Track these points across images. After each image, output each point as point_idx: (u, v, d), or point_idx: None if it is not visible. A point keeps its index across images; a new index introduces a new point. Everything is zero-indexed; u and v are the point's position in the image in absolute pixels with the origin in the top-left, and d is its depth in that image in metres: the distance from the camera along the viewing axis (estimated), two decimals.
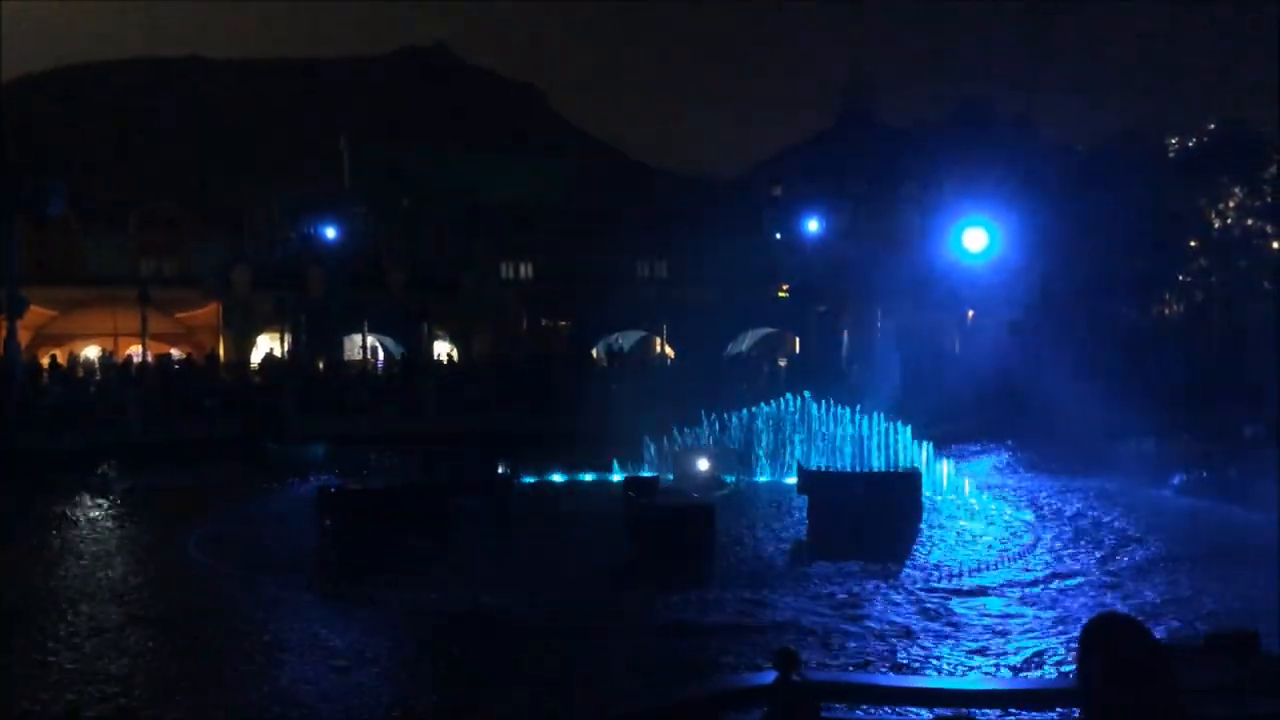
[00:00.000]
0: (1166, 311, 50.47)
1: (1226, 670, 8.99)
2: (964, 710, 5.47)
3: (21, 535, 17.64)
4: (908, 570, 14.10)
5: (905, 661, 10.73)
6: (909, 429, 22.08)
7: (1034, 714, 9.04)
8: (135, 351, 41.09)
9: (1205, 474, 21.69)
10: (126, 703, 9.67)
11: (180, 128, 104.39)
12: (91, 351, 43.98)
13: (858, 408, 22.95)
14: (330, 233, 47.84)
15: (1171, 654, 3.97)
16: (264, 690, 9.97)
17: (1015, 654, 10.91)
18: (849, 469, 21.10)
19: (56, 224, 46.37)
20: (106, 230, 49.00)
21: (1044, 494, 21.28)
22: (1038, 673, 10.36)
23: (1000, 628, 11.83)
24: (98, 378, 38.41)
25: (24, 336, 38.73)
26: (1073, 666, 10.02)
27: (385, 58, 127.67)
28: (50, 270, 45.06)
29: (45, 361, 39.15)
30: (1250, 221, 48.90)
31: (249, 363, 43.81)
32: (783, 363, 45.55)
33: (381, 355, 47.96)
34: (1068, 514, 18.96)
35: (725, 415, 24.25)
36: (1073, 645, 10.69)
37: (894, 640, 11.40)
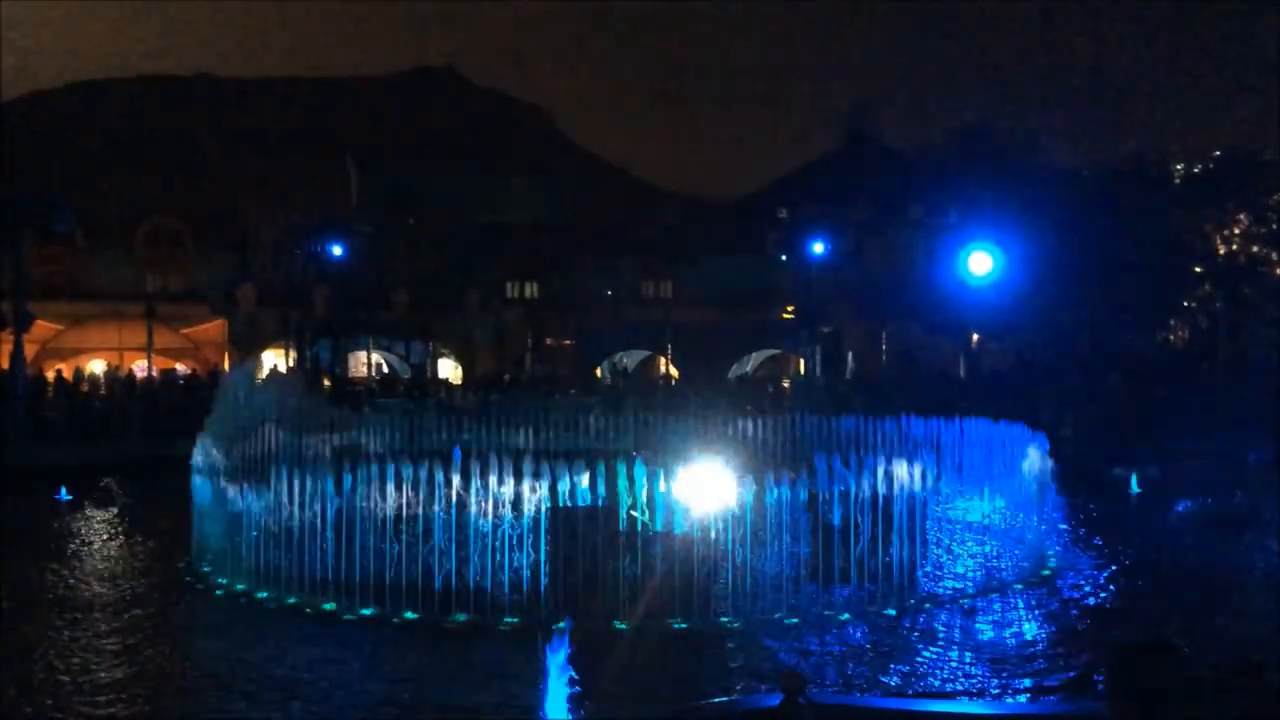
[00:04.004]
0: (1171, 338, 50.42)
1: (1235, 699, 8.94)
2: None
3: (7, 550, 17.45)
4: (910, 591, 14.03)
5: (911, 684, 10.67)
6: None
7: None
8: (140, 366, 41.17)
9: (1209, 500, 21.58)
10: None
11: (187, 145, 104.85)
12: (97, 366, 44.04)
13: None
14: (337, 251, 48.00)
15: (1200, 682, 3.95)
16: None
17: (1025, 677, 10.83)
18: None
19: (63, 239, 46.59)
20: (113, 246, 49.23)
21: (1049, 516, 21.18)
22: (1048, 696, 10.29)
23: (1009, 650, 11.77)
24: (103, 392, 38.44)
25: (30, 351, 38.77)
26: (1081, 690, 9.96)
27: (394, 78, 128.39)
28: (57, 285, 45.23)
29: (51, 376, 39.19)
30: (1256, 248, 48.88)
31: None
32: (786, 384, 45.57)
33: (386, 372, 48.01)
34: (1079, 534, 18.88)
35: None
36: (1079, 669, 10.63)
37: (898, 662, 11.33)
